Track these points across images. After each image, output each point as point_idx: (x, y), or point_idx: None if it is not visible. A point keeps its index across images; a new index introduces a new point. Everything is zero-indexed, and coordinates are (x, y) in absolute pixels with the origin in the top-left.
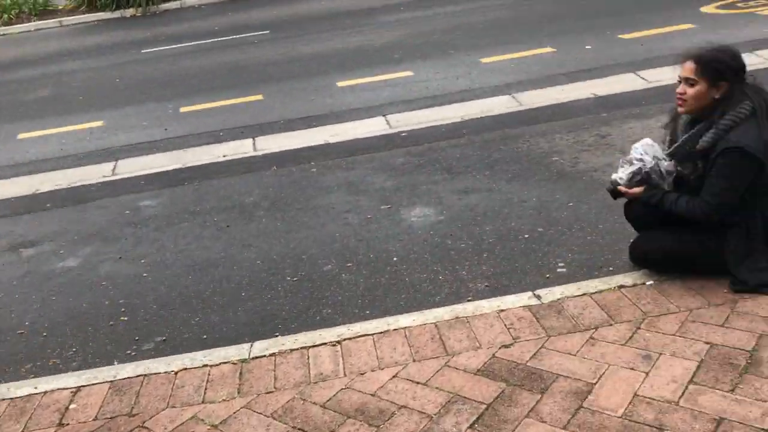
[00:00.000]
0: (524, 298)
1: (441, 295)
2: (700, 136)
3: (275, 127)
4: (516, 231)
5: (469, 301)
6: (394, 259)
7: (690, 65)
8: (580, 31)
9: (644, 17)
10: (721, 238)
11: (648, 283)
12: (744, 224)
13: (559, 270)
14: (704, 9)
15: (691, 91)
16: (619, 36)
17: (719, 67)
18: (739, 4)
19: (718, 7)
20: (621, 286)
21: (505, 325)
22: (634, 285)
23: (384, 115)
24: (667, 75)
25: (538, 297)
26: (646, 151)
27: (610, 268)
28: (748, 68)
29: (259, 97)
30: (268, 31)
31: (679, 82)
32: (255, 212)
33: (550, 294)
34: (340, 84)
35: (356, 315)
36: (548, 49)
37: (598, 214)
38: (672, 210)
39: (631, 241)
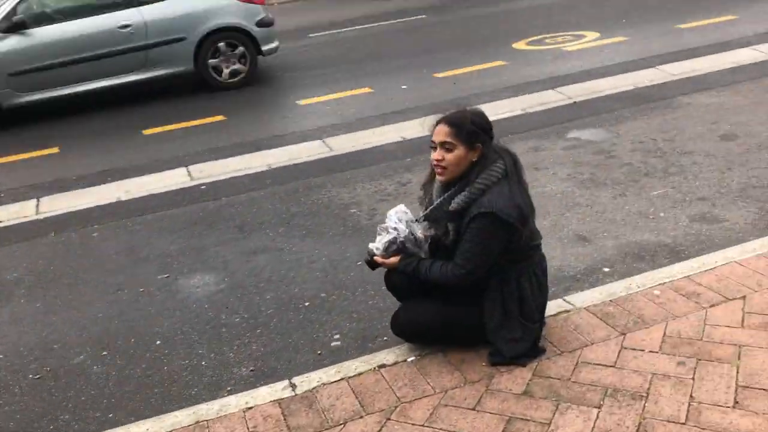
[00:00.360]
0: (278, 390)
1: (199, 386)
2: (452, 199)
3: (67, 185)
4: (298, 298)
5: (228, 392)
6: (158, 342)
7: (445, 128)
8: (398, 70)
9: (459, 55)
10: (479, 307)
11: (410, 359)
12: (500, 290)
13: (333, 344)
14: (516, 45)
15: (450, 156)
16: (434, 75)
17: (474, 130)
18: (548, 40)
19: (528, 44)
20: (381, 366)
21: (248, 428)
22: (395, 363)
23: (187, 166)
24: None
25: (294, 387)
26: (400, 218)
27: (385, 338)
28: (551, 106)
29: (55, 150)
30: None
31: (433, 147)
32: (15, 292)
33: (306, 382)
34: (147, 132)
35: (96, 420)
36: (366, 90)
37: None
38: (427, 277)
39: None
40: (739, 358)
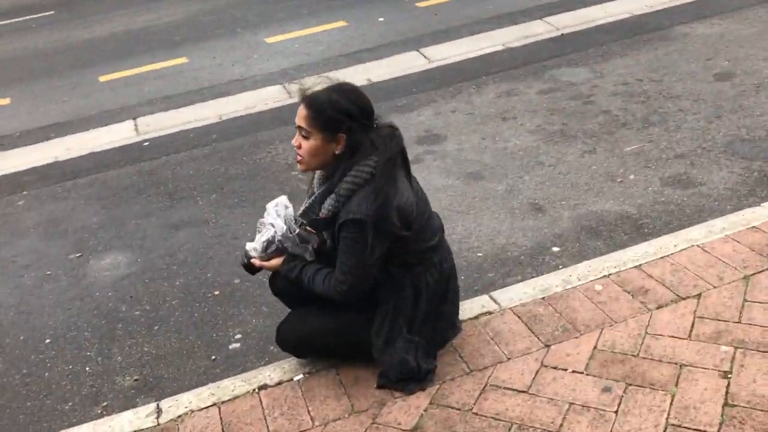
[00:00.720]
0: (142, 416)
1: (75, 399)
2: (322, 202)
3: (9, 142)
4: (208, 285)
5: (103, 408)
6: (47, 341)
7: (303, 111)
8: (372, 1)
9: None
10: (372, 316)
11: (297, 377)
12: (392, 300)
13: (232, 346)
14: None
15: (305, 145)
16: (416, 4)
17: (335, 116)
18: None
19: None
20: (262, 387)
21: None
22: (279, 383)
23: (135, 119)
24: (450, 52)
25: (159, 413)
26: (279, 213)
27: None
28: (535, 39)
29: (6, 101)
30: (53, 12)
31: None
32: None
33: (175, 407)
34: (103, 78)
35: None
36: (340, 23)
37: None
38: (311, 288)
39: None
40: (676, 384)
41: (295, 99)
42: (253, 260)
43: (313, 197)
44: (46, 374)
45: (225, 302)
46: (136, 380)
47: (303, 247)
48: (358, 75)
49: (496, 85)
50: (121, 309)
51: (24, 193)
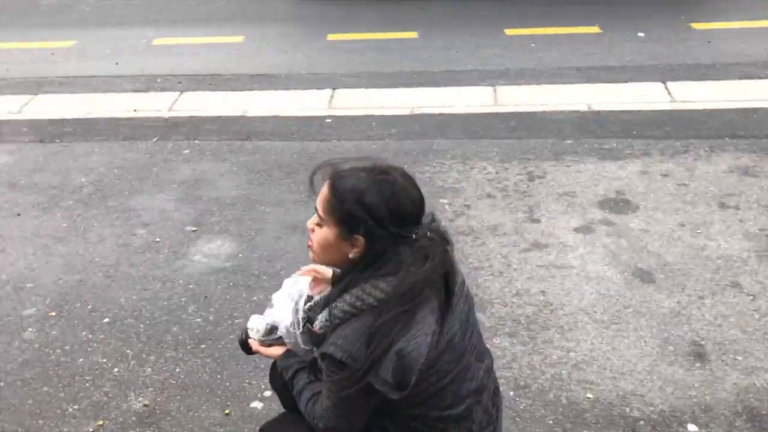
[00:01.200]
0: None
1: (80, 404)
2: (320, 310)
3: (216, 82)
4: None
5: (97, 429)
6: (106, 320)
7: (324, 192)
8: (639, 11)
9: None
10: None
11: None
12: None
13: (253, 404)
14: None
15: (318, 232)
16: (692, 24)
17: (355, 212)
18: None
19: None
20: None
21: None
22: None
23: (334, 89)
24: (702, 95)
25: None
26: (293, 296)
27: None
28: None
29: (240, 38)
30: None
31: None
32: (61, 201)
33: None
34: (330, 37)
35: None
36: (593, 29)
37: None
38: (297, 401)
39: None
40: None
41: (497, 110)
42: (251, 341)
43: (320, 296)
44: (80, 360)
45: None
46: (145, 406)
47: (304, 349)
48: (578, 96)
49: (736, 154)
50: (188, 310)
51: (195, 141)
